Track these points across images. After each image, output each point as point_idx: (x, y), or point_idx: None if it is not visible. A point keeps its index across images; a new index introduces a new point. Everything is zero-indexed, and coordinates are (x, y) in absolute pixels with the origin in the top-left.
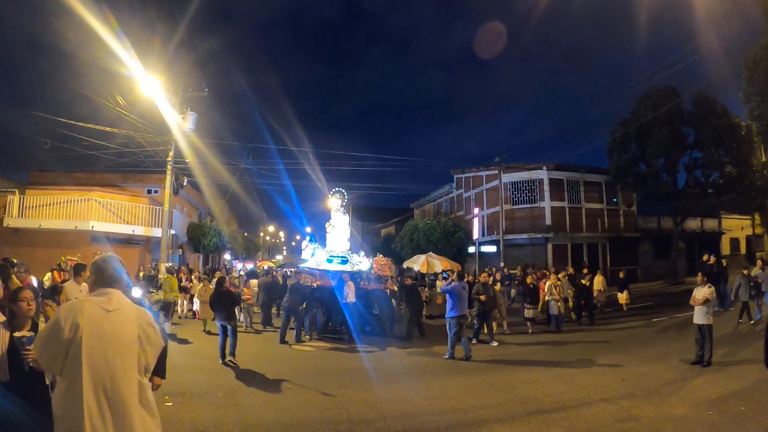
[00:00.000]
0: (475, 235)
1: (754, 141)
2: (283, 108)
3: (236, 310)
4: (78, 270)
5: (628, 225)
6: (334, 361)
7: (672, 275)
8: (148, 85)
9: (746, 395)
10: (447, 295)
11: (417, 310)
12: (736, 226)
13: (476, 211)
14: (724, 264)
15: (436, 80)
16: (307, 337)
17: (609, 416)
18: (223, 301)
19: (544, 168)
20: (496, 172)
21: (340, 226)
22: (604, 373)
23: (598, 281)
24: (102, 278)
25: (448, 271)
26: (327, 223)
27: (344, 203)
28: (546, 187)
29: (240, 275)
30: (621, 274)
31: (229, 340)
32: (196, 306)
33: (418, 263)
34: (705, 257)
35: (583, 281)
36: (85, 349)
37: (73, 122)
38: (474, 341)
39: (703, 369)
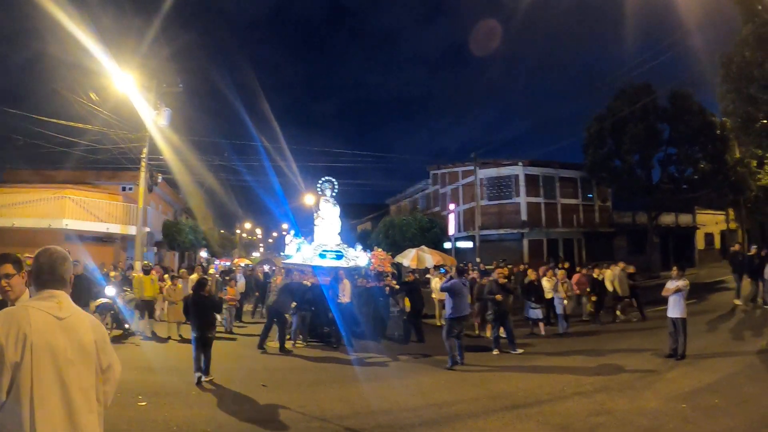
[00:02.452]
0: (451, 230)
1: (729, 138)
2: (260, 104)
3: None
4: None
5: (603, 220)
6: (320, 373)
7: (647, 269)
8: (122, 80)
9: (719, 388)
10: (446, 294)
11: (417, 311)
12: (711, 222)
13: (452, 206)
14: (763, 254)
15: (414, 77)
16: (293, 342)
17: (583, 410)
18: (201, 309)
19: (520, 164)
20: (472, 168)
21: (330, 218)
22: (578, 368)
23: (610, 275)
24: (43, 277)
25: (446, 266)
26: (315, 215)
27: (334, 193)
28: (522, 183)
29: (216, 273)
30: (631, 269)
31: (203, 356)
32: (167, 309)
33: (408, 258)
34: (737, 248)
35: (595, 275)
36: (36, 370)
37: (45, 119)
38: (496, 352)
39: (677, 362)
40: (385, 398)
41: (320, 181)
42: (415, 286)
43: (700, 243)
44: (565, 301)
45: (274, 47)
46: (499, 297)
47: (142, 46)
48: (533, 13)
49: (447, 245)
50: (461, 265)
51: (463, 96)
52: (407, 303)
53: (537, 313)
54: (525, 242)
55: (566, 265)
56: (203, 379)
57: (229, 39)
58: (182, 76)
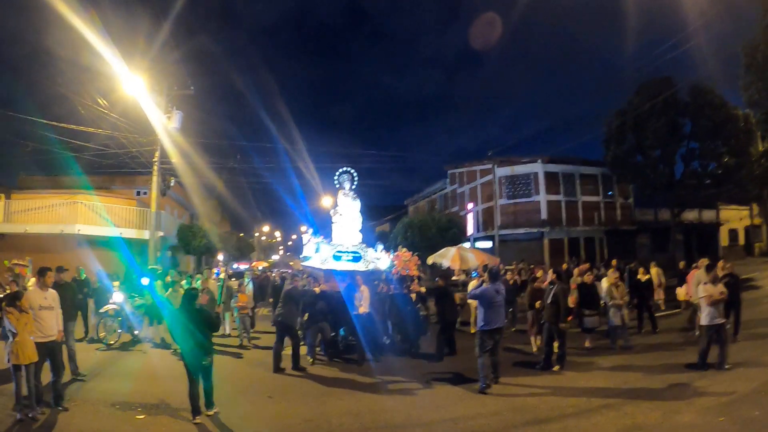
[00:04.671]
0: (470, 230)
1: (752, 131)
2: (278, 107)
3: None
4: (42, 273)
5: (625, 217)
6: (340, 403)
7: (670, 268)
8: (133, 84)
9: (758, 398)
10: (477, 303)
11: (450, 322)
12: (734, 217)
13: (470, 206)
14: None
15: (432, 78)
16: (310, 360)
17: (611, 425)
18: (192, 327)
19: (539, 161)
20: (490, 166)
21: (349, 214)
22: (605, 376)
23: (655, 275)
24: None
25: (478, 269)
26: (332, 211)
27: (354, 186)
28: (541, 181)
29: (218, 278)
30: (681, 264)
31: (202, 386)
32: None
33: (447, 257)
34: None
35: (639, 276)
36: None
37: (55, 124)
38: (557, 368)
39: (707, 372)
40: (397, 411)
41: (338, 173)
42: (445, 291)
43: (724, 239)
44: (624, 310)
45: (292, 50)
46: (538, 304)
47: (154, 50)
48: (549, 10)
49: (466, 245)
50: (495, 267)
51: (481, 94)
52: (432, 307)
53: (593, 321)
54: (545, 241)
55: (614, 263)
56: (207, 412)
57: (248, 42)
58: (200, 80)
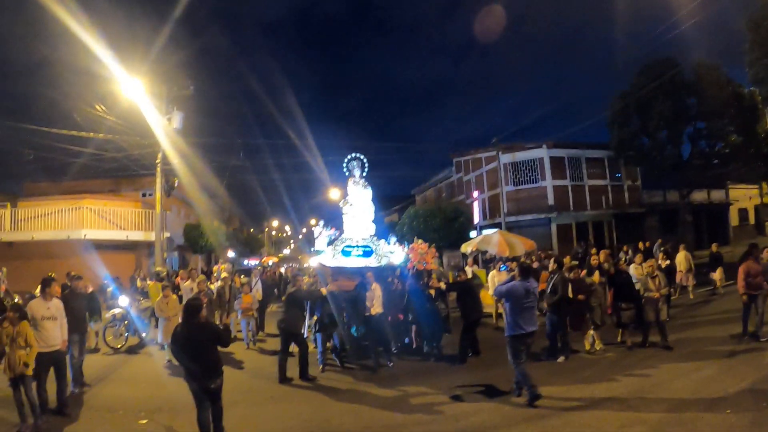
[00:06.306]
0: (476, 218)
1: (759, 108)
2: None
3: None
4: (45, 284)
5: (633, 200)
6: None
7: (675, 251)
8: (134, 86)
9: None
10: (504, 302)
11: (474, 320)
12: (744, 196)
13: (476, 194)
14: None
15: (435, 65)
16: (320, 367)
17: (615, 420)
18: (197, 346)
19: (544, 146)
20: (495, 153)
21: (360, 204)
22: (608, 366)
23: (681, 260)
24: None
25: (507, 261)
26: (342, 202)
27: (364, 173)
28: (547, 166)
29: (222, 278)
30: (714, 247)
31: (210, 412)
32: (161, 325)
33: (492, 244)
34: None
35: (660, 262)
36: None
37: (57, 131)
38: (562, 359)
39: (716, 358)
40: (399, 408)
41: (347, 160)
42: (468, 287)
43: (734, 219)
44: (662, 305)
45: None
46: (581, 297)
47: (154, 50)
48: None
49: (473, 234)
50: (525, 262)
51: (485, 81)
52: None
53: (631, 315)
54: (553, 227)
55: (645, 245)
56: None
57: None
58: (204, 76)
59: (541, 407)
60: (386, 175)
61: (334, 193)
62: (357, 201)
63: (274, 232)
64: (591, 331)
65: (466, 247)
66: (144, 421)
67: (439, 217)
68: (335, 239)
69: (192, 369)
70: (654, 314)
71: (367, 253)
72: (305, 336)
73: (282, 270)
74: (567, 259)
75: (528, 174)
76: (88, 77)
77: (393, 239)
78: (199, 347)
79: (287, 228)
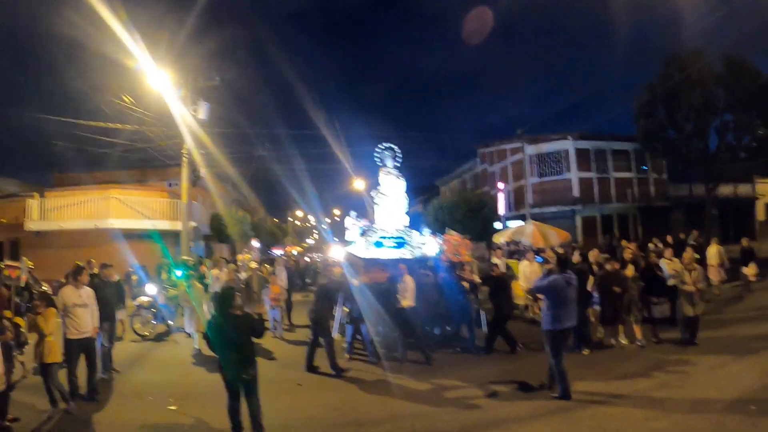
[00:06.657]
0: (500, 210)
1: None
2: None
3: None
4: (77, 273)
5: (658, 193)
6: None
7: (706, 244)
8: (159, 78)
9: None
10: (543, 297)
11: (505, 316)
12: None
13: (500, 185)
14: None
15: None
16: (347, 356)
17: (640, 413)
18: (231, 336)
19: (569, 138)
20: (520, 145)
21: (393, 194)
22: (632, 360)
23: (713, 254)
24: None
25: (543, 253)
26: (374, 192)
27: (398, 163)
28: (572, 158)
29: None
30: (744, 242)
31: (246, 407)
32: (187, 316)
33: (525, 234)
34: None
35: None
36: None
37: (84, 122)
38: (587, 351)
39: (741, 354)
40: (423, 399)
41: (379, 149)
42: (503, 282)
43: (760, 214)
44: (698, 301)
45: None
46: (617, 289)
47: (182, 42)
48: None
49: (497, 225)
50: (564, 252)
51: (510, 72)
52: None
53: (663, 310)
54: (578, 219)
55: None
56: None
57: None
58: (227, 69)
59: None
60: (411, 166)
61: (358, 184)
62: (389, 191)
63: (298, 222)
64: (624, 325)
65: (500, 238)
66: (173, 407)
67: (463, 209)
68: (367, 230)
69: (226, 359)
70: (692, 308)
71: (401, 245)
72: (333, 327)
73: (307, 259)
74: (595, 252)
75: (553, 165)
76: (116, 68)
77: (426, 230)
78: (234, 337)
79: (311, 218)
